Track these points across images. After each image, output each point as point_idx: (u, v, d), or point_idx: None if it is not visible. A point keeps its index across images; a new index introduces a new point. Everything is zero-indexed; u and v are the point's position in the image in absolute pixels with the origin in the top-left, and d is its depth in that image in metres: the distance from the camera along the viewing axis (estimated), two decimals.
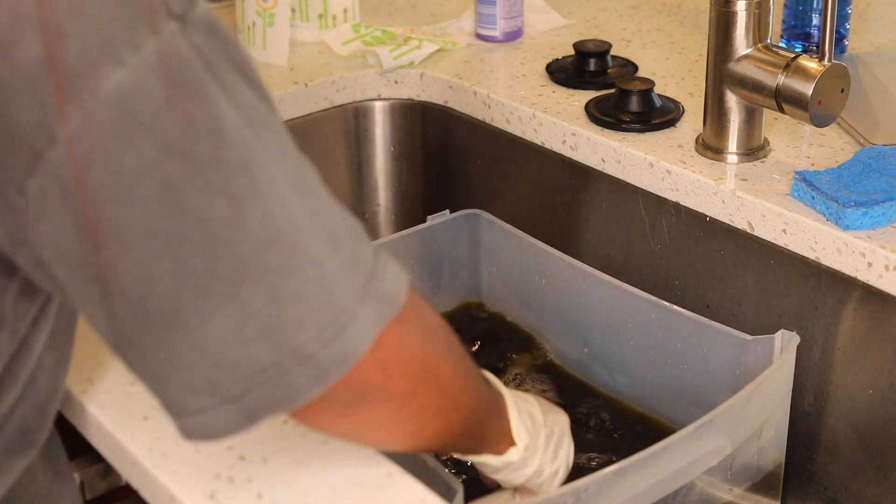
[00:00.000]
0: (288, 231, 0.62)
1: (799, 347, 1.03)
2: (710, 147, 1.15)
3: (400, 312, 0.67)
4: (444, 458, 1.03)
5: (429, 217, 1.26)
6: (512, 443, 0.85)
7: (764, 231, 1.08)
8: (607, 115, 1.24)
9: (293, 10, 1.47)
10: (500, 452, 0.85)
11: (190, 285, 0.61)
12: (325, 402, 0.66)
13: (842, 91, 1.08)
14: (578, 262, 1.18)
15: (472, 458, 0.86)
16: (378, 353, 0.66)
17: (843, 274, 1.03)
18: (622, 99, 1.23)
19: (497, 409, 0.83)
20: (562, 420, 0.92)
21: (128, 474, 0.80)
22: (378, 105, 1.43)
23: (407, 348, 0.69)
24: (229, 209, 0.61)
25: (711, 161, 1.15)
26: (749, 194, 1.09)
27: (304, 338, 0.63)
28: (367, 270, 0.66)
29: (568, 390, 1.20)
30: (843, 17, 1.36)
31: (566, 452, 0.91)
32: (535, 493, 0.90)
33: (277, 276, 0.62)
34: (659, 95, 1.25)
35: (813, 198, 1.05)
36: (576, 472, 0.91)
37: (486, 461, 0.85)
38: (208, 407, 0.64)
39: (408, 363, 0.69)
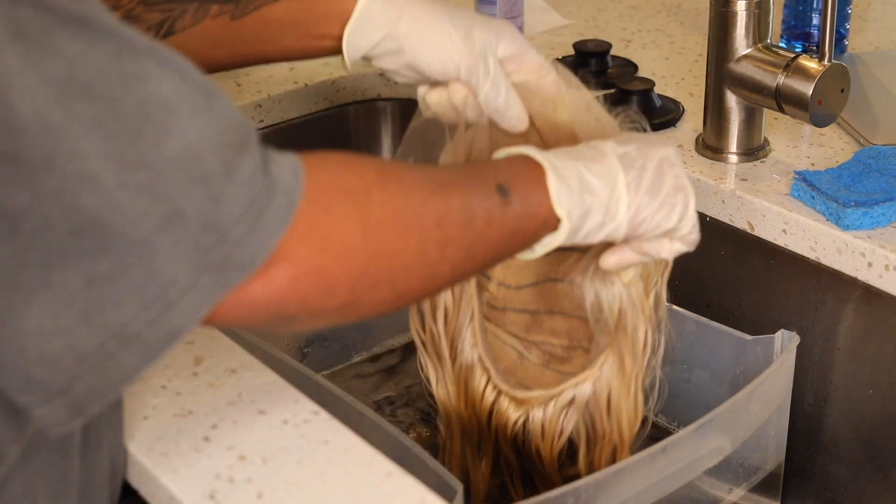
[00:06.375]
0: (100, 214, 0.59)
1: (799, 347, 1.03)
2: (711, 147, 1.15)
3: (302, 246, 0.63)
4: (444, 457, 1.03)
5: None
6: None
7: (764, 231, 1.08)
8: None
9: None
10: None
11: None
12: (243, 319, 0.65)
13: (842, 91, 1.08)
14: None
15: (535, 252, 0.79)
16: (272, 293, 0.63)
17: (843, 274, 1.03)
18: (622, 99, 1.23)
19: (527, 198, 0.76)
20: (657, 152, 0.81)
21: (128, 474, 0.80)
22: (378, 105, 1.43)
23: (310, 281, 0.65)
24: (30, 201, 0.58)
25: (711, 161, 1.15)
26: (749, 194, 1.09)
27: (125, 317, 0.61)
28: (215, 235, 0.61)
29: None
30: (843, 17, 1.36)
31: (673, 183, 0.81)
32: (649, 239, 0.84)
33: (90, 259, 0.59)
34: (659, 95, 1.25)
35: (813, 198, 1.05)
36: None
37: (549, 244, 0.78)
38: (33, 404, 0.62)
39: (324, 290, 0.66)
